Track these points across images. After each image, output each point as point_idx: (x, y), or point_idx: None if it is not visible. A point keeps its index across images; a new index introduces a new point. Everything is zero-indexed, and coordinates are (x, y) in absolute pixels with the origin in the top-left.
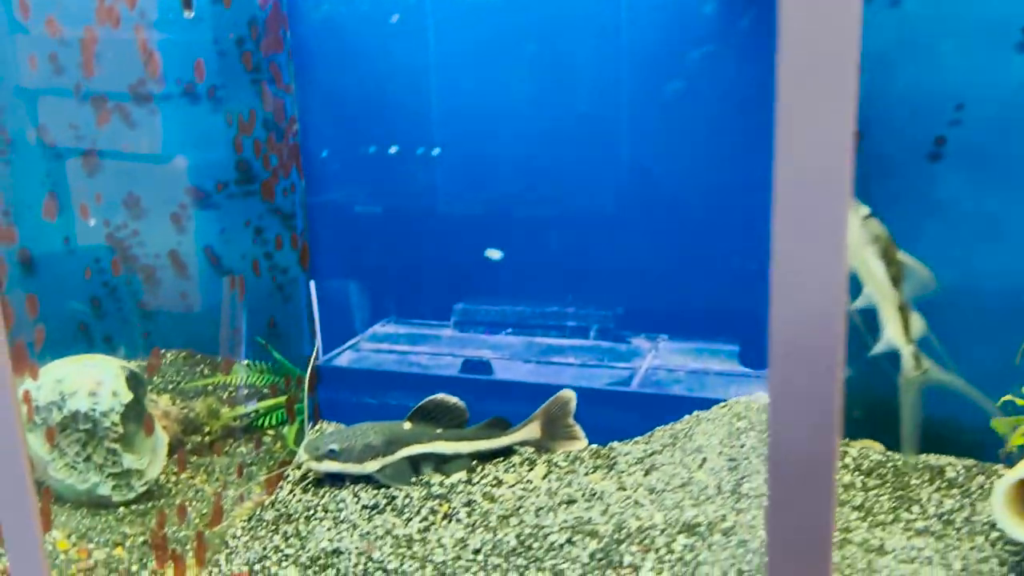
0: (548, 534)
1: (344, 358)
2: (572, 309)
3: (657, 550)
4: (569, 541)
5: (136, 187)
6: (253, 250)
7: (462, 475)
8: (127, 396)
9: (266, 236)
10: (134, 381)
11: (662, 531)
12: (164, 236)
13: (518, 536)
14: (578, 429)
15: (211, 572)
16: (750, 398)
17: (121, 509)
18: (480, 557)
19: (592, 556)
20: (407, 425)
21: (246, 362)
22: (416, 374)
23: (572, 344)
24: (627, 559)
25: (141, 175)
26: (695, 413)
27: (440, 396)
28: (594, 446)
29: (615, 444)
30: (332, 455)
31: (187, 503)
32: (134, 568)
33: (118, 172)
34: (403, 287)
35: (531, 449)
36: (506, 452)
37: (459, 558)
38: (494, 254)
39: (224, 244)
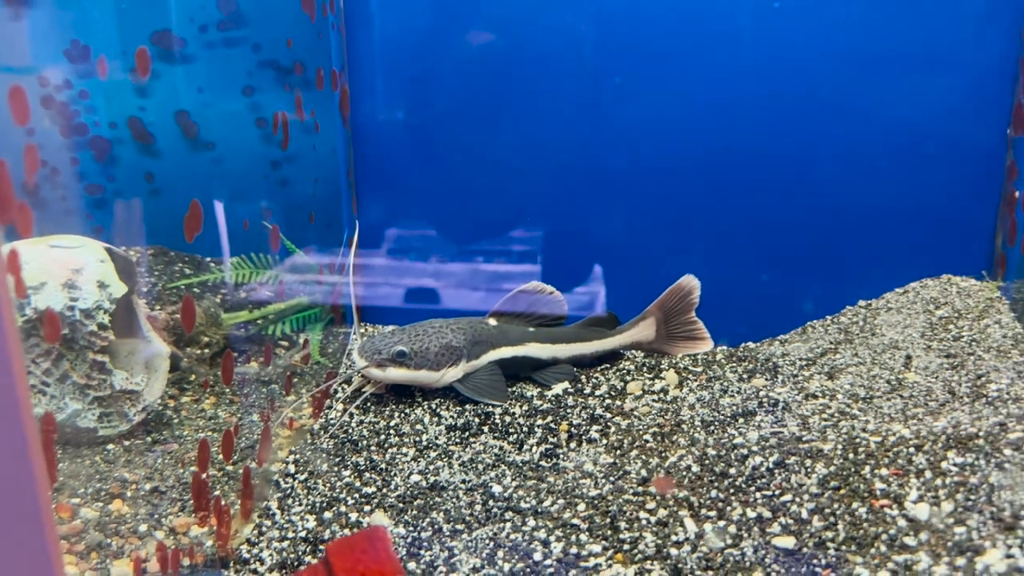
0: (745, 456)
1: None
2: None
3: (920, 472)
4: (781, 464)
5: None
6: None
7: (566, 385)
8: (119, 288)
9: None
10: (125, 269)
11: (918, 447)
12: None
13: (699, 460)
14: (702, 327)
15: (261, 528)
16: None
17: (111, 447)
18: (652, 489)
19: (824, 484)
20: (492, 322)
21: (236, 260)
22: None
23: None
24: (879, 486)
25: None
26: (861, 303)
27: (533, 283)
28: (724, 347)
29: (751, 344)
30: (400, 359)
31: (204, 434)
32: (143, 528)
33: None
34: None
35: (641, 354)
36: (612, 357)
37: (621, 491)
38: None
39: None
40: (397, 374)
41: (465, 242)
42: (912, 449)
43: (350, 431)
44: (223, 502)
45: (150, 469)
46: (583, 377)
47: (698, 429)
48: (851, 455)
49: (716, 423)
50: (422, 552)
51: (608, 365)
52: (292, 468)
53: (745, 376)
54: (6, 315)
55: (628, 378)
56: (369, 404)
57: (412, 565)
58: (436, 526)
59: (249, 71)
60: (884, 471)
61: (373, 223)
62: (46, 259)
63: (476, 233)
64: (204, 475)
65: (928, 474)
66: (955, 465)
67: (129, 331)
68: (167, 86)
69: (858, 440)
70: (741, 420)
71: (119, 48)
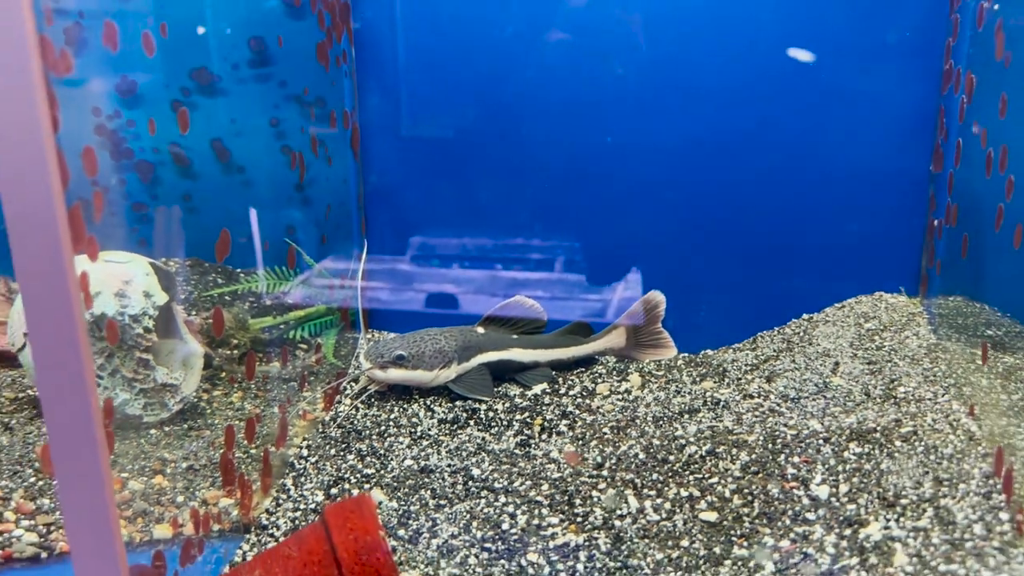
0: (683, 445)
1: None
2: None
3: (825, 460)
4: (712, 453)
5: None
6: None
7: (544, 386)
8: (161, 297)
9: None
10: (166, 281)
11: (826, 439)
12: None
13: (646, 449)
14: (667, 336)
15: (278, 500)
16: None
17: (154, 431)
18: (604, 472)
19: (745, 469)
20: (480, 330)
21: (263, 271)
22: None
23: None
24: (790, 471)
25: None
26: (804, 316)
27: (517, 298)
28: (685, 354)
29: (709, 352)
30: (400, 361)
31: (231, 422)
32: (180, 499)
33: None
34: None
35: (613, 359)
36: (587, 362)
37: (579, 474)
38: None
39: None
40: (397, 374)
41: (459, 260)
42: (821, 441)
43: (355, 422)
44: (246, 478)
45: (186, 450)
46: (560, 379)
47: (649, 423)
48: (770, 445)
49: (665, 419)
50: (410, 522)
51: (583, 369)
52: (305, 452)
53: (698, 379)
54: (79, 321)
55: (599, 380)
56: (373, 400)
57: (401, 532)
58: (423, 501)
59: (276, 104)
60: (796, 459)
61: (379, 242)
62: (102, 273)
63: (469, 253)
64: (230, 455)
65: (832, 461)
66: (854, 454)
67: (169, 333)
68: (204, 116)
69: (778, 433)
70: (686, 416)
71: (163, 82)
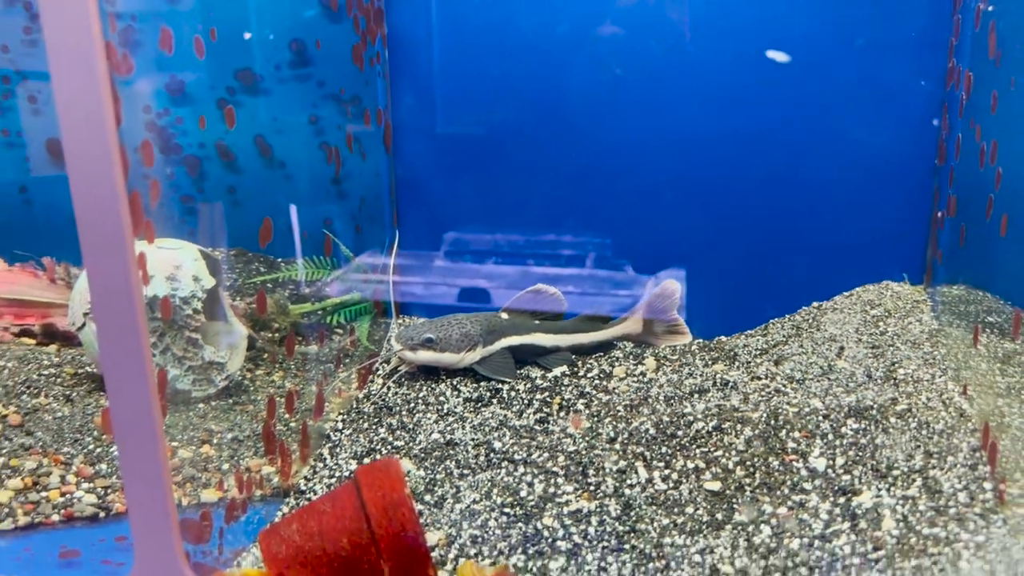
0: (691, 422)
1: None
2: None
3: (824, 435)
4: (718, 428)
5: None
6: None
7: (564, 369)
8: (209, 281)
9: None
10: (213, 267)
11: (825, 416)
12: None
13: (656, 425)
14: (682, 323)
15: (315, 468)
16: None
17: (201, 406)
18: (617, 446)
19: (748, 443)
20: (504, 315)
21: (303, 260)
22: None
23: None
24: (791, 445)
25: None
26: (814, 304)
27: (539, 286)
28: (700, 340)
29: (723, 338)
30: (429, 344)
31: (273, 398)
32: (225, 466)
33: None
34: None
35: (631, 345)
36: (605, 347)
37: (593, 447)
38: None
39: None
40: (426, 356)
41: (486, 249)
42: (821, 418)
43: (387, 400)
44: (286, 447)
45: (231, 423)
46: (579, 363)
47: (660, 402)
48: (773, 422)
49: (676, 398)
50: (436, 489)
51: (602, 354)
52: (340, 425)
53: (709, 363)
54: (138, 298)
55: (616, 364)
56: (403, 380)
57: (428, 497)
58: (448, 471)
59: (314, 103)
60: (796, 434)
61: (410, 232)
62: (155, 258)
63: (494, 243)
64: (272, 424)
65: (830, 436)
66: (851, 430)
67: (216, 316)
68: (247, 114)
69: (780, 411)
70: (696, 396)
71: (210, 82)
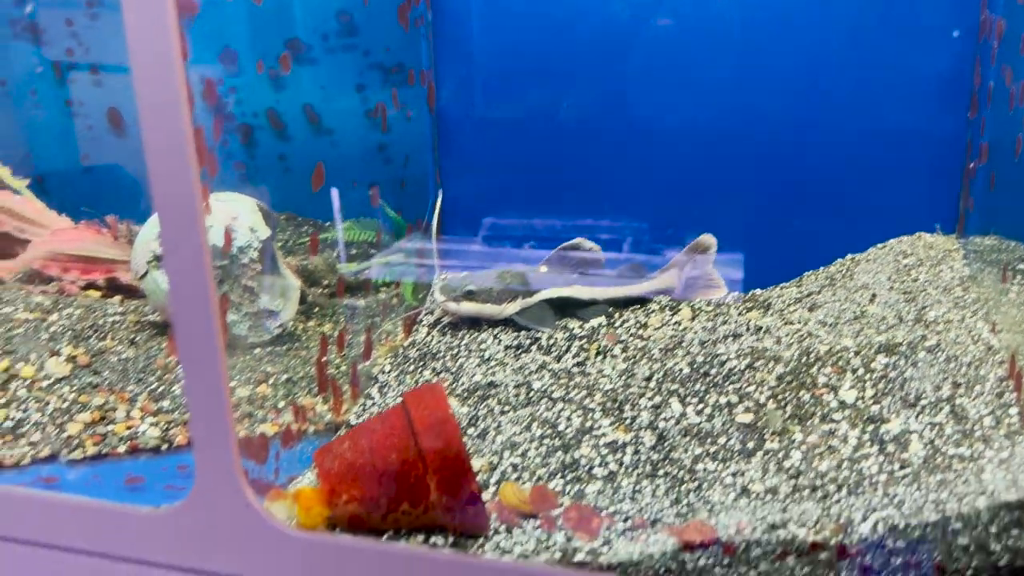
0: (724, 361)
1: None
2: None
3: (854, 370)
4: (750, 367)
5: None
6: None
7: (602, 320)
8: (264, 232)
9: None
10: (268, 218)
11: (856, 353)
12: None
13: (690, 364)
14: (718, 277)
15: (364, 405)
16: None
17: (257, 350)
18: (652, 384)
19: (780, 379)
20: (543, 269)
21: (348, 223)
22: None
23: None
24: (821, 380)
25: None
26: (848, 256)
27: (577, 240)
28: (736, 293)
29: (758, 291)
30: (470, 296)
31: (325, 338)
32: (281, 404)
33: None
34: None
35: (667, 298)
36: (642, 301)
37: (628, 386)
38: None
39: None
40: (468, 307)
41: (527, 207)
42: (852, 355)
43: (430, 347)
44: (338, 385)
45: (285, 366)
46: (616, 314)
47: (695, 346)
48: (804, 359)
49: (709, 342)
50: (479, 423)
51: (638, 306)
52: (387, 368)
53: (744, 311)
54: (205, 244)
55: (651, 314)
56: (446, 330)
57: (471, 431)
58: (490, 408)
59: (360, 71)
60: (827, 369)
61: (453, 188)
62: (213, 208)
63: (537, 200)
64: (324, 359)
65: (860, 371)
66: (881, 364)
67: (270, 267)
68: (296, 83)
69: (812, 350)
70: (730, 339)
71: (260, 53)
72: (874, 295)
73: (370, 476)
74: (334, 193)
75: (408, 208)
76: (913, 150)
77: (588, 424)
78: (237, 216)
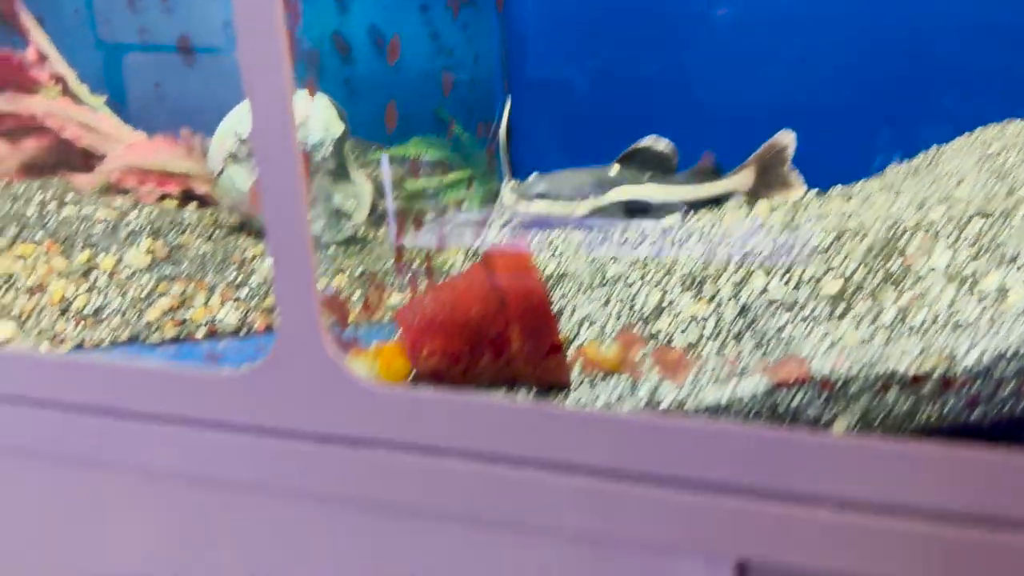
0: (808, 239)
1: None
2: None
3: (947, 235)
4: (837, 240)
5: None
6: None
7: (676, 218)
8: (338, 128)
9: None
10: (342, 115)
11: (948, 221)
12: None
13: (772, 244)
14: (796, 175)
15: None
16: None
17: (331, 249)
18: (731, 265)
19: (868, 251)
20: (616, 168)
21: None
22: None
23: None
24: (911, 249)
25: None
26: (933, 147)
27: (650, 138)
28: (815, 190)
29: (839, 187)
30: (541, 195)
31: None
32: (356, 294)
33: None
34: None
35: (743, 198)
36: (716, 201)
37: (706, 268)
38: None
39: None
40: (538, 207)
41: (599, 110)
42: (943, 224)
43: (501, 245)
44: (415, 275)
45: (358, 262)
46: (690, 212)
47: (775, 230)
48: (892, 232)
49: (791, 227)
50: (554, 305)
51: (713, 206)
52: (459, 262)
53: (824, 203)
54: (293, 143)
55: (727, 213)
56: (516, 231)
57: None
58: (564, 292)
59: None
60: (917, 239)
61: (522, 97)
62: None
63: (610, 101)
64: (401, 240)
65: (952, 236)
66: (975, 230)
67: (343, 168)
68: (361, 6)
69: (899, 223)
70: (812, 223)
71: None
72: (961, 179)
73: (452, 328)
74: (384, 160)
75: (472, 117)
76: (1000, 36)
77: (666, 301)
78: (311, 114)
